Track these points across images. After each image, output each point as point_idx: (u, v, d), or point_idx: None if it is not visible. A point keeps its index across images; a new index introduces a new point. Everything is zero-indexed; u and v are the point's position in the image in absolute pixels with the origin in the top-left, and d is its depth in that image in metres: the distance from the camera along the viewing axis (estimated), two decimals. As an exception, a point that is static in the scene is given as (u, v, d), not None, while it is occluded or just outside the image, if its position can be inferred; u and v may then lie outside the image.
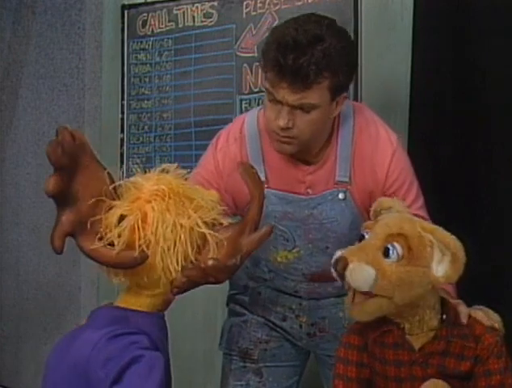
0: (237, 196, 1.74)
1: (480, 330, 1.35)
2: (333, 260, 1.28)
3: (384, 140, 1.67)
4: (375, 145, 1.66)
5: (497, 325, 1.39)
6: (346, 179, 1.67)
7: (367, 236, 1.33)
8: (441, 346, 1.32)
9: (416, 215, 1.58)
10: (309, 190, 1.70)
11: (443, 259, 1.30)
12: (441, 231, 1.33)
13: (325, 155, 1.68)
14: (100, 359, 1.22)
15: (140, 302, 1.33)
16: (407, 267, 1.28)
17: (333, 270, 1.29)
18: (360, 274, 1.26)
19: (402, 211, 1.40)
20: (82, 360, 1.25)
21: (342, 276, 1.27)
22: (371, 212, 1.43)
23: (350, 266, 1.26)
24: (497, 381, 1.31)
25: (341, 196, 1.67)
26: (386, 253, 1.28)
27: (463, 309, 1.39)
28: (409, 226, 1.31)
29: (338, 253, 1.29)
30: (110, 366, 1.21)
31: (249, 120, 1.75)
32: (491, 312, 1.42)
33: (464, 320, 1.36)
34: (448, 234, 1.33)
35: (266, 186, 1.70)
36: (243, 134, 1.74)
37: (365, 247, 1.30)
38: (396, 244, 1.28)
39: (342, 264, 1.26)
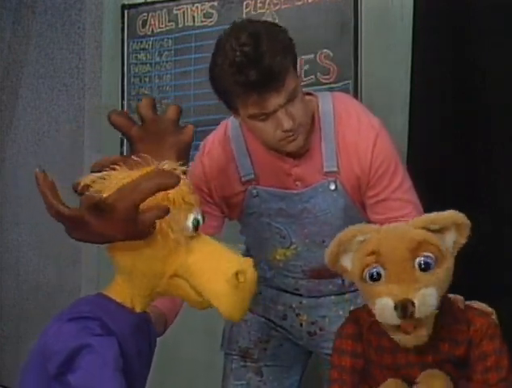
0: (228, 198, 1.75)
1: (472, 314, 1.35)
2: (391, 311, 1.22)
3: (366, 125, 1.66)
4: (358, 131, 1.66)
5: (489, 310, 1.39)
6: (335, 169, 1.66)
7: (381, 271, 1.27)
8: (438, 331, 1.32)
9: (401, 199, 1.62)
10: (298, 183, 1.69)
11: (451, 235, 1.30)
12: (435, 215, 1.32)
13: (309, 146, 1.67)
14: (52, 345, 1.22)
15: (114, 292, 1.31)
16: (444, 265, 1.27)
17: (397, 319, 1.23)
18: (430, 303, 1.23)
19: (375, 228, 1.35)
20: (42, 344, 1.25)
21: (411, 316, 1.23)
22: (328, 256, 1.37)
23: (417, 302, 1.21)
24: (492, 362, 1.30)
25: (332, 186, 1.67)
26: (422, 268, 1.25)
27: (459, 297, 1.40)
28: (414, 231, 1.28)
29: (389, 303, 1.22)
30: (58, 353, 1.20)
31: (232, 123, 1.75)
32: (485, 305, 1.42)
33: (461, 305, 1.36)
34: (439, 213, 1.33)
35: (256, 183, 1.72)
36: (227, 136, 1.74)
37: (404, 278, 1.24)
38: (423, 253, 1.25)
39: (411, 307, 1.21)
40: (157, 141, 1.34)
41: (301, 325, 1.83)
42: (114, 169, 1.26)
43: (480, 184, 2.17)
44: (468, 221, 1.30)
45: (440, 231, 1.30)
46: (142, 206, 1.19)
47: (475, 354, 1.32)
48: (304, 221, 1.71)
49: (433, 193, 1.83)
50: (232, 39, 1.51)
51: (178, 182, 1.21)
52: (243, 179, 1.72)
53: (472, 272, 2.09)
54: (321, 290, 1.79)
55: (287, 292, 1.83)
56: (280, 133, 1.56)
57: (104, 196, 1.19)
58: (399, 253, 1.26)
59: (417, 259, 1.25)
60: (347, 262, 1.35)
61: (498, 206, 2.14)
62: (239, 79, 1.49)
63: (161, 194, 1.22)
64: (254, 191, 1.72)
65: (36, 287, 3.50)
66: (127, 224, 1.18)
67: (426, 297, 1.23)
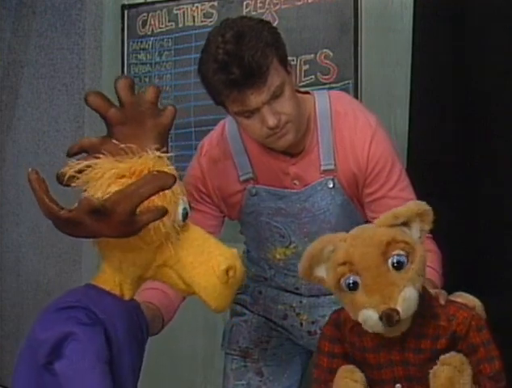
0: (226, 198, 1.75)
1: (453, 309, 1.34)
2: (377, 322, 1.23)
3: (363, 123, 1.67)
4: (354, 130, 1.66)
5: (471, 304, 1.38)
6: (332, 167, 1.67)
7: (357, 279, 1.26)
8: (413, 325, 1.31)
9: (398, 197, 1.62)
10: (296, 181, 1.70)
11: (416, 225, 1.30)
12: (397, 210, 1.31)
13: (306, 145, 1.68)
14: (39, 334, 1.23)
15: (102, 280, 1.32)
16: (416, 258, 1.26)
17: (384, 328, 1.23)
18: (412, 304, 1.24)
19: (341, 237, 1.33)
20: (31, 335, 1.26)
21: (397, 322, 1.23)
22: (302, 271, 1.36)
23: (400, 309, 1.22)
24: (482, 355, 1.30)
25: (330, 184, 1.67)
26: (396, 266, 1.24)
27: (441, 292, 1.40)
28: (380, 233, 1.27)
29: (374, 315, 1.22)
30: (45, 343, 1.21)
31: (229, 123, 1.76)
32: (469, 296, 1.41)
33: (442, 301, 1.36)
34: (403, 207, 1.32)
35: (255, 182, 1.72)
36: (225, 136, 1.75)
37: (382, 285, 1.23)
38: (394, 252, 1.25)
39: (396, 316, 1.21)
40: (135, 123, 1.31)
41: (301, 324, 1.83)
42: (97, 157, 1.26)
43: (480, 184, 2.17)
44: (429, 208, 1.30)
45: (405, 224, 1.30)
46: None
47: (463, 347, 1.31)
48: (303, 220, 1.71)
49: (433, 193, 1.83)
50: (218, 36, 1.53)
51: (175, 182, 1.21)
52: (241, 178, 1.72)
53: (471, 271, 2.09)
54: (320, 289, 1.78)
55: (287, 291, 1.83)
56: (266, 130, 1.56)
57: (102, 198, 1.19)
58: (370, 258, 1.25)
59: (390, 260, 1.25)
60: (322, 272, 1.34)
61: (499, 205, 2.14)
62: (221, 77, 1.51)
63: None
64: (253, 189, 1.72)
65: (36, 287, 3.50)
66: (124, 226, 1.19)
67: (408, 301, 1.23)
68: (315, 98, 1.71)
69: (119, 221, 1.18)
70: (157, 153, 1.27)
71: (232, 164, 1.73)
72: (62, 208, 1.17)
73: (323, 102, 1.70)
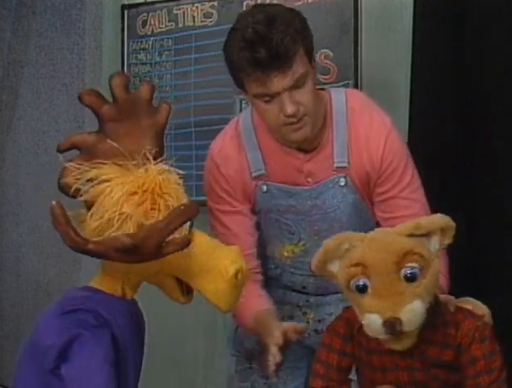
0: (247, 194, 1.74)
1: (460, 317, 1.33)
2: (379, 327, 1.23)
3: (378, 122, 1.67)
4: (370, 128, 1.66)
5: (480, 312, 1.38)
6: (345, 165, 1.67)
7: (367, 283, 1.26)
8: (428, 334, 1.31)
9: (409, 198, 1.63)
10: (309, 179, 1.70)
11: (436, 238, 1.29)
12: (421, 221, 1.30)
13: (321, 141, 1.68)
14: (46, 339, 1.23)
15: (104, 283, 1.32)
16: (429, 273, 1.26)
17: (385, 335, 1.23)
18: (416, 318, 1.23)
19: (360, 237, 1.32)
20: (35, 339, 1.26)
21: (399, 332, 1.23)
22: (316, 264, 1.36)
23: (404, 319, 1.21)
24: (481, 367, 1.29)
25: (342, 182, 1.68)
26: (408, 278, 1.24)
27: (450, 299, 1.39)
28: (398, 241, 1.27)
29: (378, 320, 1.22)
30: (52, 348, 1.21)
31: (243, 118, 1.76)
32: (478, 303, 1.41)
33: (452, 308, 1.35)
34: (427, 217, 1.33)
35: (266, 179, 1.72)
36: (238, 131, 1.75)
37: (390, 292, 1.23)
38: (409, 264, 1.24)
39: (398, 326, 1.21)
40: (131, 121, 1.29)
41: (308, 323, 1.82)
42: (97, 162, 1.25)
43: (480, 183, 2.17)
44: (453, 224, 1.29)
45: (426, 234, 1.29)
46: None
47: (465, 359, 1.31)
48: (313, 218, 1.71)
49: (433, 193, 1.83)
50: (249, 17, 1.56)
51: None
52: (253, 175, 1.72)
53: (471, 271, 2.09)
54: (327, 288, 1.78)
55: (293, 290, 1.82)
56: (283, 118, 1.57)
57: (128, 233, 1.18)
58: (384, 265, 1.25)
59: (403, 271, 1.24)
60: (335, 268, 1.34)
61: (499, 205, 2.14)
62: (246, 54, 1.52)
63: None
64: (264, 187, 1.72)
65: (36, 287, 3.50)
66: (149, 257, 1.20)
67: (413, 313, 1.23)
68: (331, 94, 1.72)
69: (147, 254, 1.19)
70: (165, 167, 1.26)
71: (245, 159, 1.72)
72: (88, 241, 1.17)
73: (339, 99, 1.70)
